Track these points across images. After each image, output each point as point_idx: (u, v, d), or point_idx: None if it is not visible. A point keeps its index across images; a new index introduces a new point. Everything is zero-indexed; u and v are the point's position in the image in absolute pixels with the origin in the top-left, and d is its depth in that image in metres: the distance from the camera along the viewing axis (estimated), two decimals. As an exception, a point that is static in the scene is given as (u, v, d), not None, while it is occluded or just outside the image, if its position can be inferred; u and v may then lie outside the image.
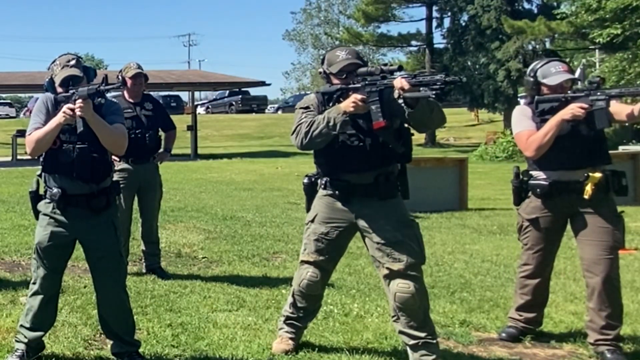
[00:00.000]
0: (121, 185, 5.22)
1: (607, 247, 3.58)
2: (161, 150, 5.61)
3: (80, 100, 3.14)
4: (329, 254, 3.51)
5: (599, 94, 3.53)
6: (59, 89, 3.34)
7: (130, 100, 5.39)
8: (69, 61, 3.36)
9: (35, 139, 3.26)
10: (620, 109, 3.59)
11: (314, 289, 3.57)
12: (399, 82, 3.06)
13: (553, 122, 3.58)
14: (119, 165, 5.30)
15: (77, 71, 3.32)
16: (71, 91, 3.25)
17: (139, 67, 5.44)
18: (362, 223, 3.37)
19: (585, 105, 3.51)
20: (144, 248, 5.59)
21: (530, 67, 3.84)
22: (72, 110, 3.16)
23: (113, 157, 5.16)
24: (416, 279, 3.27)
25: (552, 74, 3.67)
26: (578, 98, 3.58)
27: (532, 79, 3.75)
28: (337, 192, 3.40)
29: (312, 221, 3.50)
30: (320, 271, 3.53)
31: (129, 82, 5.34)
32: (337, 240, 3.47)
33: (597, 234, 3.61)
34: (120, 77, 5.35)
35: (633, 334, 4.00)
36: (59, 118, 3.21)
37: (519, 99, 26.72)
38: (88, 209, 3.33)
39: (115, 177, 5.23)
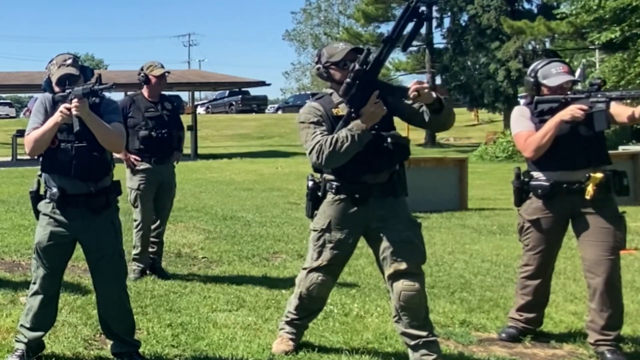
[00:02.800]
0: (143, 185, 5.29)
1: (609, 248, 3.58)
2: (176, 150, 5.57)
3: (76, 100, 3.15)
4: (343, 258, 3.50)
5: (599, 96, 3.53)
6: (56, 88, 3.35)
7: (151, 99, 5.36)
8: (65, 60, 3.37)
9: (34, 139, 3.28)
10: (621, 111, 3.59)
11: (323, 291, 3.57)
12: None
13: (552, 123, 3.58)
14: (142, 165, 5.30)
15: (74, 70, 3.33)
16: (67, 91, 3.26)
17: (163, 66, 5.43)
18: (375, 224, 3.34)
19: (585, 107, 3.51)
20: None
21: (531, 67, 3.83)
22: (69, 109, 3.18)
23: (135, 157, 5.24)
24: (420, 277, 3.29)
25: (553, 75, 3.67)
26: (578, 99, 3.58)
27: (532, 80, 3.75)
28: (356, 195, 3.33)
29: (326, 229, 3.41)
30: (331, 275, 3.52)
31: (153, 80, 5.31)
32: (352, 244, 3.45)
33: (598, 235, 3.60)
34: (142, 74, 5.33)
35: (633, 334, 4.00)
36: (56, 117, 3.22)
37: (519, 99, 26.72)
38: (87, 208, 3.33)
39: (139, 177, 5.27)
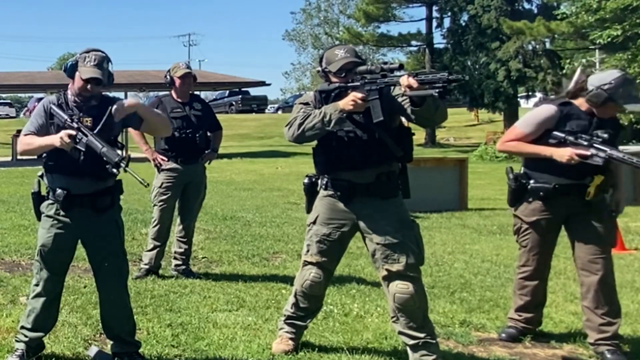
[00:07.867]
0: (168, 185, 5.33)
1: (603, 246, 3.61)
2: (208, 150, 5.55)
3: (62, 136, 3.14)
4: (331, 254, 3.51)
5: (601, 149, 3.49)
6: (79, 83, 3.28)
7: (179, 100, 5.36)
8: (96, 63, 3.26)
9: (25, 144, 3.30)
10: None
11: (317, 289, 3.57)
12: (406, 80, 3.03)
13: (547, 152, 3.57)
14: (168, 164, 5.32)
15: (100, 75, 3.24)
16: (69, 112, 3.25)
17: (188, 67, 5.43)
18: (363, 224, 3.37)
19: (587, 154, 3.48)
20: (176, 249, 5.52)
21: (597, 80, 3.53)
22: (70, 137, 3.15)
23: (161, 157, 5.24)
24: (415, 280, 3.27)
25: (631, 97, 3.48)
26: (579, 146, 3.53)
27: (604, 94, 3.50)
28: (338, 192, 3.39)
29: (314, 222, 3.48)
30: (323, 272, 3.53)
31: (177, 82, 5.32)
32: (339, 241, 3.47)
33: (591, 233, 3.63)
34: (168, 76, 5.35)
35: (633, 334, 4.01)
36: (54, 141, 3.19)
37: (518, 99, 26.73)
38: (92, 208, 3.33)
39: (163, 176, 5.30)
